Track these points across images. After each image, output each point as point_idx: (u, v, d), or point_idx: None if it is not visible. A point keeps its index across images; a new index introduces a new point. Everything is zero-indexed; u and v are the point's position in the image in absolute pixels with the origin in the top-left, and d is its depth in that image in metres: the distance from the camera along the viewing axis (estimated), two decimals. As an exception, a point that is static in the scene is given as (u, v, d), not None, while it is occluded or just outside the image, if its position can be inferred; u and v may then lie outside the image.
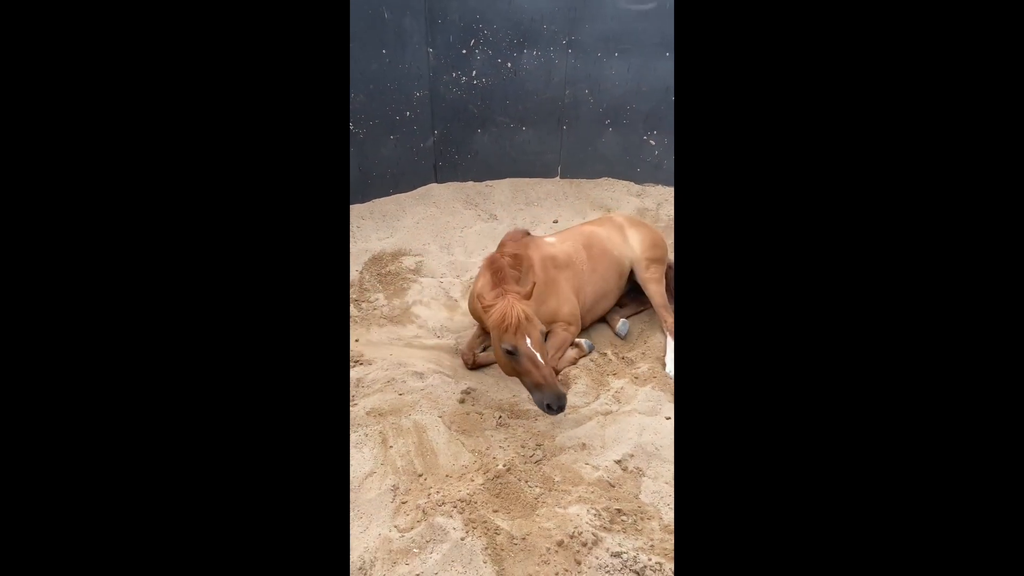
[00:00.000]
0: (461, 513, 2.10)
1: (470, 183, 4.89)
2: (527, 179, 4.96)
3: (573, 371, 2.98)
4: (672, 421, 2.61)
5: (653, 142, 4.81)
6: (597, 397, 2.81)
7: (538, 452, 2.42)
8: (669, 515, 2.14)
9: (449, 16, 4.29)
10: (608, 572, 1.91)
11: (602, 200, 4.75)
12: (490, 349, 3.07)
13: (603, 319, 3.37)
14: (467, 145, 4.79)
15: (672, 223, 4.30)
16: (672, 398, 2.76)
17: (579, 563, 1.93)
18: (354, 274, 3.77)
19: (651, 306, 3.35)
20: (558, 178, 5.01)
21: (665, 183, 4.88)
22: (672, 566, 1.92)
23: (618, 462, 2.37)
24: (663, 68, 4.52)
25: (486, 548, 1.97)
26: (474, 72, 4.52)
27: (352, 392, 2.75)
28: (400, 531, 2.06)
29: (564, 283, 3.06)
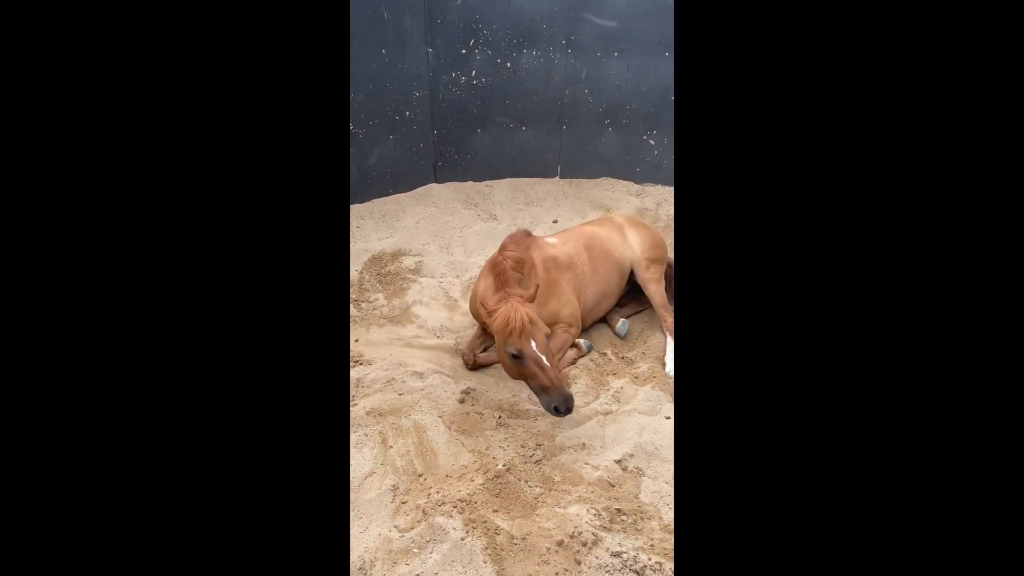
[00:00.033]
0: (461, 513, 2.10)
1: (470, 183, 4.89)
2: (527, 179, 4.96)
3: (573, 371, 2.98)
4: (672, 421, 2.61)
5: (653, 142, 4.81)
6: (597, 397, 2.81)
7: (538, 452, 2.42)
8: (669, 515, 2.14)
9: (448, 16, 4.29)
10: (608, 572, 1.91)
11: (602, 200, 4.75)
12: (490, 349, 3.07)
13: (603, 319, 3.38)
14: (467, 145, 4.79)
15: (672, 223, 4.30)
16: (672, 398, 2.77)
17: (579, 563, 1.93)
18: (354, 274, 3.77)
19: (651, 306, 3.35)
20: (558, 178, 5.01)
21: (665, 183, 4.88)
22: (672, 566, 1.92)
23: (618, 462, 2.37)
24: (663, 68, 4.52)
25: (486, 548, 1.97)
26: (473, 72, 4.52)
27: (352, 392, 2.75)
28: (400, 531, 2.06)
29: (566, 285, 3.05)
